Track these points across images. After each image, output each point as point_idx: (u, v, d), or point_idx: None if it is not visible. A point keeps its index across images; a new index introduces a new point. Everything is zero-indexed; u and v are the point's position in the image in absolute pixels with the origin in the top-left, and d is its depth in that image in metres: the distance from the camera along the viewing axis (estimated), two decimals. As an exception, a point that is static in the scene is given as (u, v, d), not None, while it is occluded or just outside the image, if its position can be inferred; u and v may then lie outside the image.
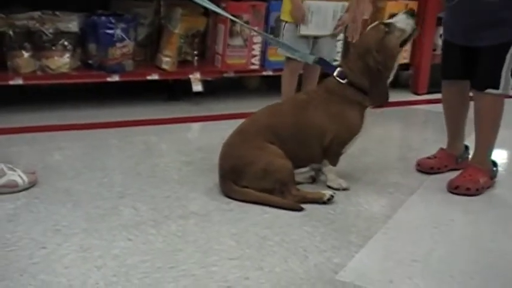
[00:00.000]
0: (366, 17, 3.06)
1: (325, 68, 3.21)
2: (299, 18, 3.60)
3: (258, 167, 2.87)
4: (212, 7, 3.25)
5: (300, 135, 2.99)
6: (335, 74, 3.04)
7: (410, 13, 3.03)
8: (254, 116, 3.12)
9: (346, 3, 3.67)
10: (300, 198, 2.86)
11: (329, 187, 3.06)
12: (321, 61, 3.21)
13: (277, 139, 2.95)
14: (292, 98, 3.31)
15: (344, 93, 3.01)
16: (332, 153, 3.05)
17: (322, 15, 3.63)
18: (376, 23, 3.06)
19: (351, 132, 3.04)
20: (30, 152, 3.44)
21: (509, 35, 3.00)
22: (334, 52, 3.86)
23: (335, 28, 3.64)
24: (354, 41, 3.04)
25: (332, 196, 2.88)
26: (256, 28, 4.47)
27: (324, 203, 2.87)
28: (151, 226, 2.59)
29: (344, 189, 3.05)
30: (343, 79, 3.02)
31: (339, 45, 4.87)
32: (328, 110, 3.01)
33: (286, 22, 3.67)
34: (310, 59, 3.26)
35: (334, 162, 3.08)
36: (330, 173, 3.09)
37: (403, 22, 3.00)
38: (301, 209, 2.79)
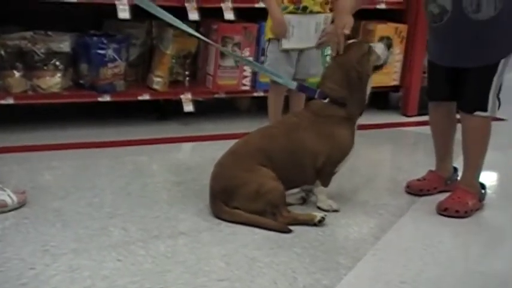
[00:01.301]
0: (346, 31, 3.10)
1: (306, 93, 3.25)
2: (281, 33, 3.61)
3: (250, 189, 2.87)
4: (200, 36, 3.32)
5: (292, 157, 3.01)
6: (316, 96, 3.08)
7: (388, 44, 3.19)
8: (247, 138, 3.14)
9: (330, 15, 3.69)
10: (290, 220, 2.86)
11: (319, 208, 3.07)
12: (301, 87, 3.24)
13: (270, 161, 2.96)
14: (283, 122, 3.32)
15: (330, 113, 3.04)
16: (325, 174, 3.07)
17: (304, 29, 3.64)
18: (360, 40, 3.11)
19: (343, 151, 3.06)
20: (20, 171, 3.43)
21: (497, 57, 3.02)
22: (319, 64, 3.85)
23: (319, 38, 3.65)
24: (337, 56, 3.09)
25: (323, 218, 2.89)
26: (247, 49, 4.51)
27: (315, 224, 2.87)
28: (141, 247, 2.58)
29: (334, 211, 3.06)
30: (324, 99, 3.06)
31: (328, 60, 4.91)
32: (318, 132, 3.03)
33: (269, 40, 3.68)
34: (293, 85, 3.28)
35: (326, 183, 3.09)
36: (321, 194, 3.10)
37: (380, 50, 3.12)
38: (289, 231, 2.79)
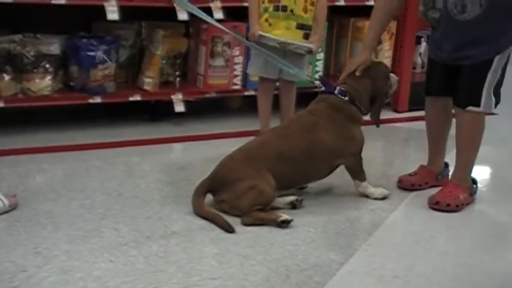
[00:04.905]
0: (357, 73, 3.21)
1: (326, 87, 3.25)
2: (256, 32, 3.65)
3: (244, 186, 2.87)
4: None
5: (310, 156, 3.06)
6: (336, 92, 3.16)
7: (398, 81, 3.42)
8: (262, 139, 3.22)
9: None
10: (255, 220, 2.84)
11: (376, 199, 3.21)
12: (322, 81, 3.31)
13: (283, 163, 2.99)
14: (298, 120, 3.24)
15: (349, 112, 3.16)
16: (356, 171, 3.20)
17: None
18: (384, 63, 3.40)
19: (358, 147, 3.19)
20: (11, 174, 3.42)
21: (490, 54, 3.04)
22: (306, 68, 3.87)
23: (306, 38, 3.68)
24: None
25: (287, 220, 2.83)
26: (237, 48, 4.52)
27: (278, 225, 2.82)
28: (133, 247, 2.58)
29: (383, 198, 3.21)
30: (344, 97, 3.15)
31: (320, 65, 4.92)
32: (336, 130, 3.12)
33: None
34: (307, 77, 3.44)
35: (362, 178, 3.21)
36: (367, 189, 3.22)
37: (394, 80, 3.34)
38: (233, 231, 2.76)
